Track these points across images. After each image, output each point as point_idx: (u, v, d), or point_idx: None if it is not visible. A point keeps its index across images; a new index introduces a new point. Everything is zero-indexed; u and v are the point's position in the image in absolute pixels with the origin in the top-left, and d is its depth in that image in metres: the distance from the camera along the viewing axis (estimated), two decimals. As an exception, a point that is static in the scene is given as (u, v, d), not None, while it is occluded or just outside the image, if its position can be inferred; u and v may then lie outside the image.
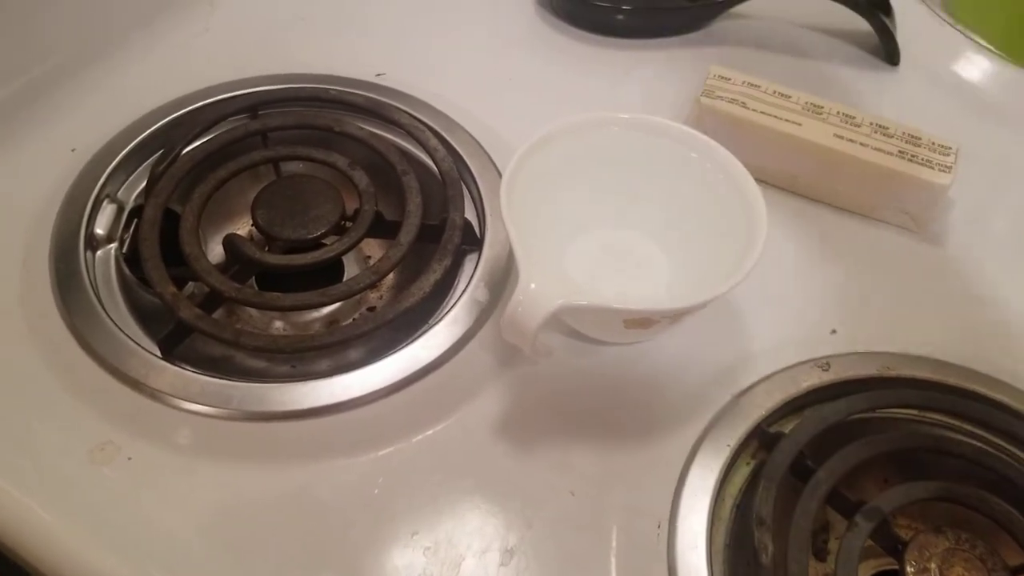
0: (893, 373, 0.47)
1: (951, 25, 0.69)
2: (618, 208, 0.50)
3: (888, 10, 0.65)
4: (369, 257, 0.58)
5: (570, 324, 0.47)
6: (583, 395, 0.46)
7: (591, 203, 0.50)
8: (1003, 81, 0.67)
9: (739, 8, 0.67)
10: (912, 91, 0.65)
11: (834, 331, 0.50)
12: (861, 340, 0.49)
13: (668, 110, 0.60)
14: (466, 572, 0.40)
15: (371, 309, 0.55)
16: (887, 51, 0.66)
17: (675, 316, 0.44)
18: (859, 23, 0.66)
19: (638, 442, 0.44)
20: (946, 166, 0.53)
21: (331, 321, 0.55)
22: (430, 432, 0.44)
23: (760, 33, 0.67)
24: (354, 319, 0.55)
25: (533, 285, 0.41)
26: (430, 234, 0.50)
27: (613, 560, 0.41)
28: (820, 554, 0.47)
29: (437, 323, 0.47)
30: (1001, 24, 0.73)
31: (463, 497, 0.42)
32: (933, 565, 0.40)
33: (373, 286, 0.50)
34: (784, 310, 0.50)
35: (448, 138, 0.55)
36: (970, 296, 0.52)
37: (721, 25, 0.68)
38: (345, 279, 0.52)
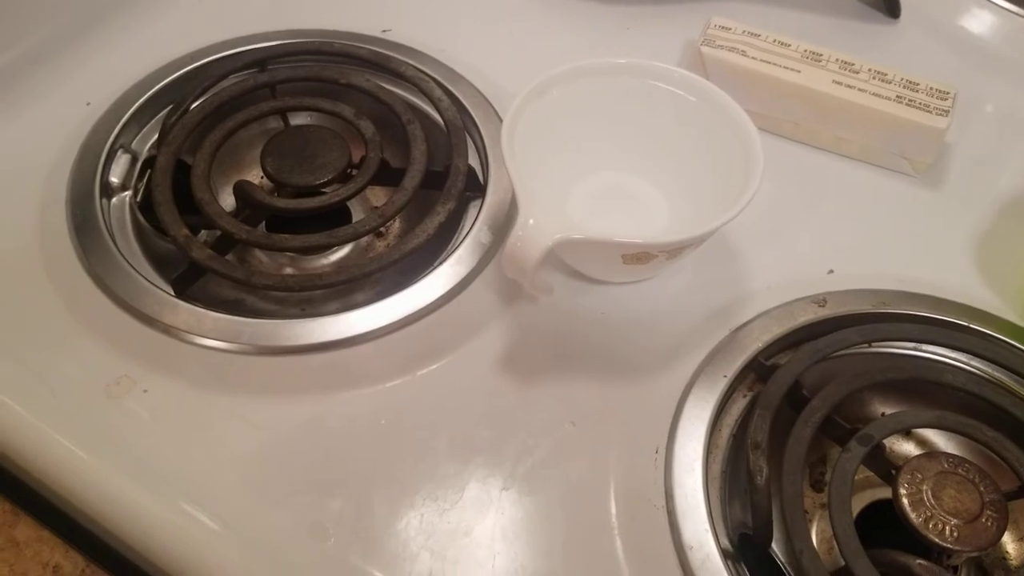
0: (889, 309, 0.48)
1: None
2: (619, 151, 0.51)
3: (889, -37, 0.66)
4: (377, 207, 0.59)
5: (569, 262, 0.49)
6: (583, 331, 0.47)
7: (592, 147, 0.51)
8: (1007, 34, 0.67)
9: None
10: (913, 44, 0.65)
11: (831, 271, 0.50)
12: (858, 279, 0.50)
13: (669, 62, 0.60)
14: (470, 496, 0.41)
15: (379, 258, 0.57)
16: (888, 4, 0.66)
17: (672, 250, 0.45)
18: (860, -24, 0.66)
19: (637, 375, 0.46)
20: (943, 110, 0.54)
21: (339, 268, 0.56)
22: (434, 367, 0.46)
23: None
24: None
25: (531, 220, 0.42)
26: (435, 181, 0.52)
27: (612, 483, 0.42)
28: (818, 485, 0.47)
29: (441, 264, 0.48)
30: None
31: (466, 428, 0.44)
32: (926, 487, 0.41)
33: (378, 229, 0.52)
34: (783, 252, 0.51)
35: (452, 89, 0.56)
36: (965, 237, 0.53)
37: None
38: (353, 224, 0.53)
